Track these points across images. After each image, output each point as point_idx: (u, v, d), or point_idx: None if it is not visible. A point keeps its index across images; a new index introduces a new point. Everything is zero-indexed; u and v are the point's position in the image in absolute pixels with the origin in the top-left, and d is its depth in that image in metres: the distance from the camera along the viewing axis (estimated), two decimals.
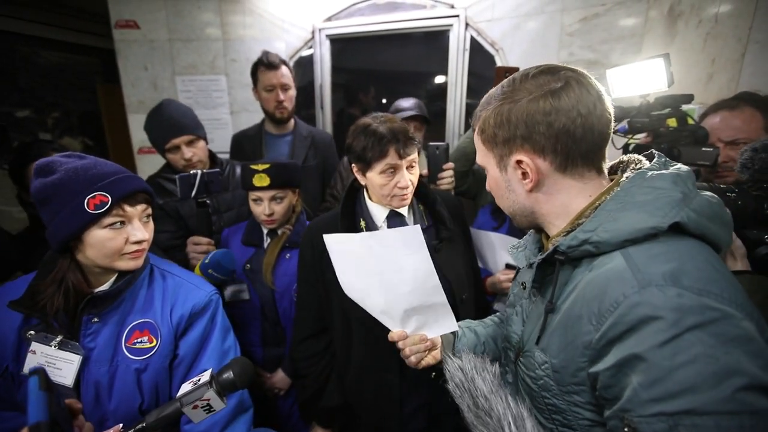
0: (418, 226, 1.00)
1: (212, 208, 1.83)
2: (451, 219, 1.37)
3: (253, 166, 1.54)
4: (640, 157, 0.79)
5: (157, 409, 0.86)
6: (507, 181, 0.81)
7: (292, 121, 2.27)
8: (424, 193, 1.39)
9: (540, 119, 0.71)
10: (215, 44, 2.84)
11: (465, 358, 0.92)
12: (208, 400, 0.85)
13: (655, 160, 0.75)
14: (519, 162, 0.76)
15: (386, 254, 1.03)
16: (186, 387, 0.87)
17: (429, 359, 1.06)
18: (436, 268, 1.28)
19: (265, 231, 1.69)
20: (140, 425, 0.83)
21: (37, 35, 3.15)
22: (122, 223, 1.01)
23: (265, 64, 2.09)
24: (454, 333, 1.09)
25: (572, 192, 0.76)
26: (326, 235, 1.10)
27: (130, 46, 2.79)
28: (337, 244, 1.10)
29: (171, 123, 1.72)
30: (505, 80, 0.79)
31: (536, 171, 0.75)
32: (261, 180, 1.53)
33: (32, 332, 1.00)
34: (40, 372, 0.64)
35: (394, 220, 1.33)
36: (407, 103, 2.18)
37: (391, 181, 1.23)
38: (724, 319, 0.56)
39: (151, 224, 1.10)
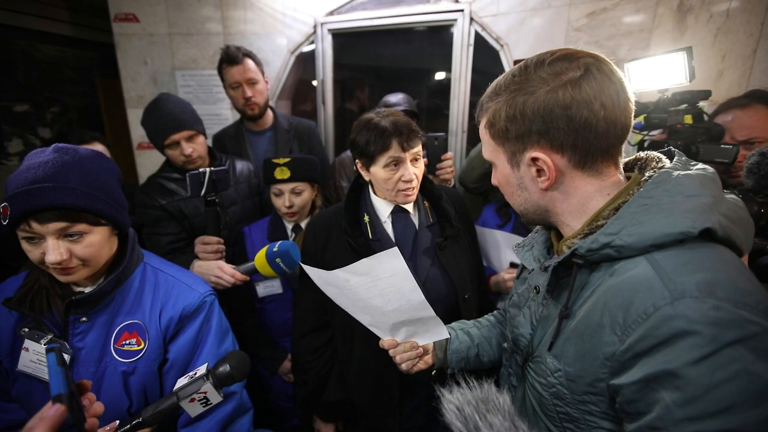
0: (396, 248, 0.96)
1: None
2: (457, 216, 1.34)
3: (275, 160, 1.62)
4: (660, 154, 0.74)
5: (154, 404, 0.86)
6: (519, 179, 0.75)
7: (270, 115, 2.19)
8: (429, 189, 1.38)
9: (559, 113, 0.65)
10: (216, 39, 2.80)
11: (463, 396, 0.77)
12: (205, 393, 0.85)
13: (675, 158, 0.70)
14: (534, 159, 0.70)
15: (365, 282, 1.01)
16: (182, 381, 0.87)
17: (421, 365, 1.04)
18: (439, 267, 1.28)
19: (289, 226, 1.73)
20: (136, 420, 0.83)
21: (35, 29, 3.12)
22: (36, 238, 0.90)
23: (226, 60, 2.00)
24: (449, 335, 1.07)
25: (590, 190, 0.71)
26: (306, 267, 1.08)
27: (130, 40, 2.76)
28: (315, 273, 1.08)
29: (169, 118, 1.68)
30: (516, 67, 0.72)
31: (553, 169, 0.69)
32: (282, 173, 1.61)
33: (26, 329, 0.98)
34: (55, 349, 0.66)
35: (399, 215, 1.32)
36: (395, 98, 2.15)
37: (395, 175, 1.21)
38: (764, 333, 0.52)
39: (89, 240, 0.94)
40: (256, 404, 1.20)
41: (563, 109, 0.64)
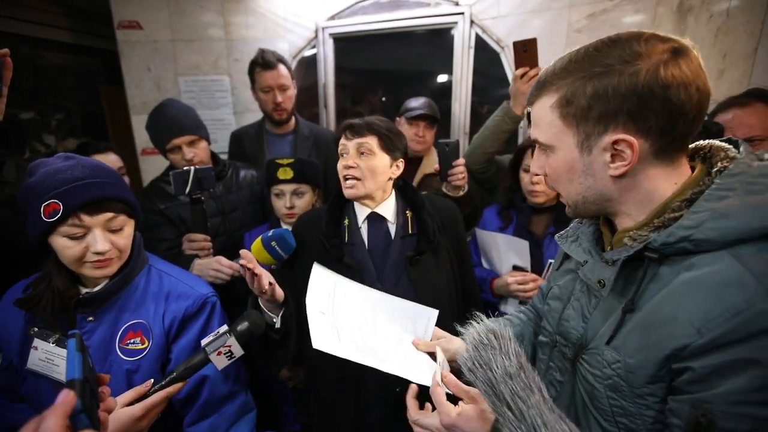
0: (435, 311, 1.03)
1: (217, 210, 1.81)
2: (441, 229, 1.30)
3: (278, 161, 1.65)
4: (725, 144, 0.71)
5: (185, 361, 0.92)
6: (587, 165, 0.70)
7: (293, 120, 2.23)
8: (411, 197, 1.33)
9: (658, 92, 0.61)
10: (218, 44, 2.83)
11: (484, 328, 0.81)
12: (230, 347, 0.92)
13: (742, 147, 0.68)
14: (615, 143, 0.66)
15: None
16: (208, 339, 0.93)
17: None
18: (408, 282, 1.24)
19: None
20: (171, 376, 0.89)
21: (39, 37, 3.15)
22: (81, 232, 0.96)
23: (260, 64, 2.03)
24: None
25: (659, 178, 0.68)
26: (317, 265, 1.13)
27: (133, 47, 2.78)
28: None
29: (172, 123, 1.70)
30: (597, 42, 0.67)
31: (637, 154, 0.65)
32: (285, 173, 1.63)
33: (35, 329, 1.01)
34: (77, 335, 0.67)
35: (375, 222, 1.29)
36: (416, 102, 2.15)
37: (341, 163, 1.25)
38: None
39: (126, 232, 1.04)
40: (257, 408, 1.21)
41: (663, 89, 0.61)
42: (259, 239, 1.33)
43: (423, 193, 1.44)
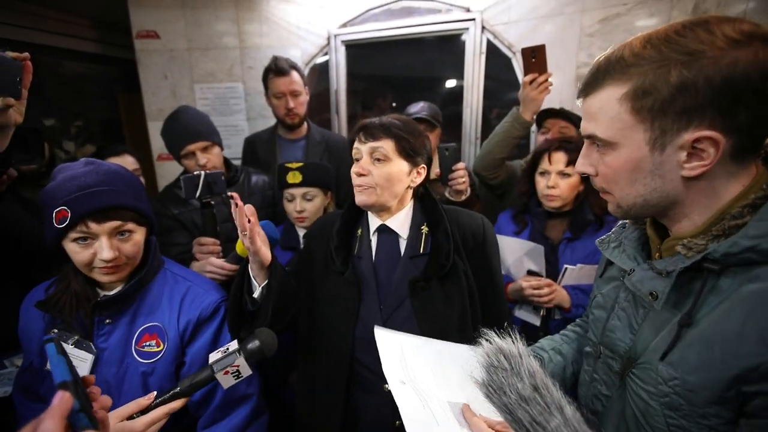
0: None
1: (229, 215, 1.83)
2: (462, 248, 1.16)
3: (288, 165, 1.65)
4: None
5: (190, 376, 0.90)
6: (657, 164, 0.63)
7: (305, 126, 2.27)
8: (430, 209, 1.18)
9: (757, 85, 0.54)
10: (232, 52, 2.88)
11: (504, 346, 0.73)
12: (238, 366, 0.89)
13: None
14: (697, 141, 0.58)
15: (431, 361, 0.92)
16: (216, 355, 0.90)
17: None
18: (409, 310, 1.11)
19: (301, 233, 1.72)
20: (174, 390, 0.87)
21: (60, 46, 3.24)
22: (89, 238, 0.98)
23: (274, 70, 2.09)
24: (541, 358, 0.97)
25: (731, 180, 0.62)
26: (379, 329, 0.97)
27: (151, 56, 2.85)
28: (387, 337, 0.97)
29: (186, 129, 1.73)
30: (677, 24, 0.59)
31: (720, 154, 0.58)
32: (294, 177, 1.63)
33: (55, 330, 1.03)
34: (54, 339, 0.67)
35: (385, 236, 1.18)
36: (415, 107, 2.16)
37: (353, 169, 1.14)
38: None
39: (135, 239, 1.05)
40: (269, 412, 1.21)
41: (762, 80, 0.54)
42: (240, 240, 1.31)
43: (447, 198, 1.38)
